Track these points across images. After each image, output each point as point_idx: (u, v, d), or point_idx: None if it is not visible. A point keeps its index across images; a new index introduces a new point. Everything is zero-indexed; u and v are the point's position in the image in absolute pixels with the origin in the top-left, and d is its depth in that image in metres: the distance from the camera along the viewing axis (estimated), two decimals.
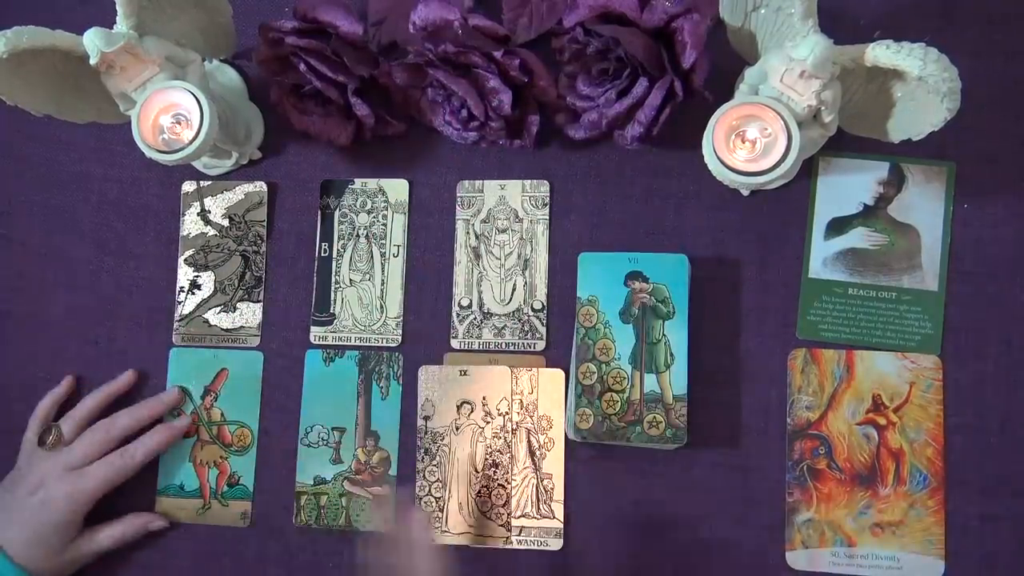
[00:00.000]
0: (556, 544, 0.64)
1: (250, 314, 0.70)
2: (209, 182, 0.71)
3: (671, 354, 0.62)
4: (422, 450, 0.66)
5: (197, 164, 0.70)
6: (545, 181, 0.68)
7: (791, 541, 0.62)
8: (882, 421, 0.62)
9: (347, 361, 0.68)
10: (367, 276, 0.69)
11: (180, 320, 0.70)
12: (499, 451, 0.65)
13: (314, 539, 0.67)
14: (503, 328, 0.67)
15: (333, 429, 0.67)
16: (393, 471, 0.67)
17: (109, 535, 0.66)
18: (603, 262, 0.64)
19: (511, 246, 0.68)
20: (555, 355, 0.66)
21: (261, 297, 0.70)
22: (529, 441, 0.65)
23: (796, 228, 0.65)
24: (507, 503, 0.65)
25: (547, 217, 0.68)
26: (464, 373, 0.67)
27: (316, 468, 0.67)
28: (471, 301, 0.68)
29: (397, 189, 0.69)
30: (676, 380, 0.61)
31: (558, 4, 0.66)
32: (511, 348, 0.67)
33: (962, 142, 0.64)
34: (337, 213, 0.70)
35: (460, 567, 0.65)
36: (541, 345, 0.66)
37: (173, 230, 0.71)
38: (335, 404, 0.68)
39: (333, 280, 0.69)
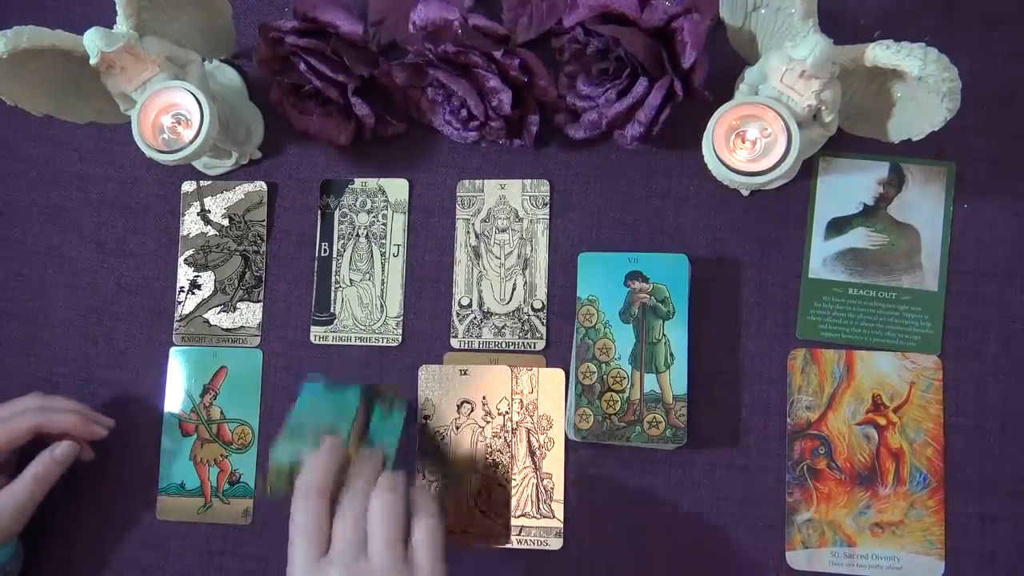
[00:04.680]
0: (556, 544, 0.64)
1: (250, 314, 0.70)
2: (209, 182, 0.71)
3: (671, 354, 0.62)
4: (422, 450, 0.66)
5: (197, 164, 0.70)
6: (545, 181, 0.68)
7: (791, 541, 0.62)
8: (882, 421, 0.63)
9: (349, 393, 0.61)
10: (367, 276, 0.69)
11: (180, 320, 0.70)
12: (499, 451, 0.65)
13: None
14: (503, 328, 0.67)
15: (325, 429, 0.61)
16: (389, 469, 0.62)
17: (19, 491, 0.63)
18: (603, 262, 0.64)
19: (511, 246, 0.68)
20: (555, 355, 0.66)
21: (261, 297, 0.70)
22: (529, 441, 0.65)
23: (796, 228, 0.65)
24: (507, 503, 0.65)
25: (547, 217, 0.68)
26: (464, 373, 0.67)
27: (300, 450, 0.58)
28: (471, 301, 0.68)
29: (397, 189, 0.69)
30: (676, 380, 0.61)
31: (558, 4, 0.66)
32: (511, 348, 0.67)
33: (962, 142, 0.64)
34: (337, 213, 0.70)
35: (460, 567, 0.65)
36: (541, 345, 0.66)
37: (173, 230, 0.71)
38: (340, 420, 0.60)
39: (333, 280, 0.69)
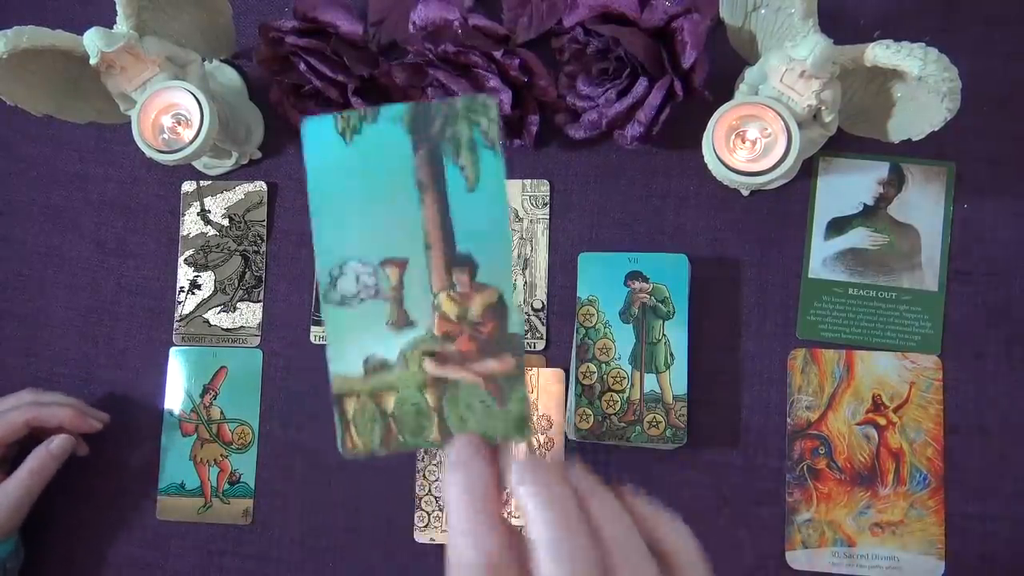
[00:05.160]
0: None
1: (250, 314, 0.70)
2: (209, 182, 0.71)
3: (671, 354, 0.62)
4: (422, 449, 0.66)
5: (197, 164, 0.70)
6: (545, 181, 0.68)
7: (791, 541, 0.62)
8: (882, 421, 0.63)
9: (386, 127, 0.35)
10: None
11: (180, 320, 0.70)
12: None
13: (317, 535, 0.67)
14: None
15: (384, 265, 0.36)
16: (515, 326, 0.36)
17: (15, 485, 0.63)
18: (603, 262, 0.64)
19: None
20: (555, 355, 0.66)
21: (261, 297, 0.70)
22: (529, 441, 0.65)
23: (796, 228, 0.65)
24: (507, 503, 0.65)
25: (547, 217, 0.68)
26: None
27: (365, 342, 0.36)
28: None
29: None
30: (676, 380, 0.61)
31: (558, 4, 0.66)
32: None
33: (962, 142, 0.64)
34: None
35: None
36: (541, 345, 0.66)
37: (173, 230, 0.71)
38: (379, 216, 0.36)
39: None
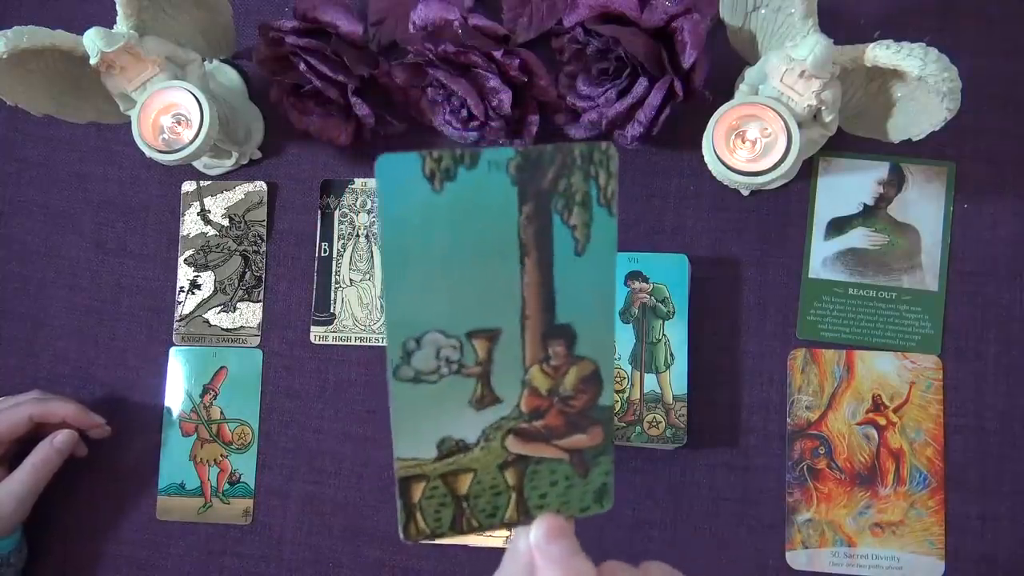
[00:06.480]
0: None
1: (250, 314, 0.70)
2: (209, 182, 0.71)
3: (671, 354, 0.62)
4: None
5: (197, 164, 0.70)
6: None
7: (791, 541, 0.62)
8: (882, 421, 0.63)
9: (488, 174, 0.31)
10: (367, 276, 0.69)
11: (180, 320, 0.70)
12: None
13: (317, 535, 0.67)
14: None
15: (471, 337, 0.33)
16: (607, 398, 0.35)
17: (20, 480, 0.63)
18: None
19: None
20: None
21: (261, 297, 0.70)
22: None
23: (796, 228, 0.65)
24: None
25: None
26: None
27: (441, 422, 0.34)
28: None
29: None
30: (676, 380, 0.61)
31: (558, 4, 0.66)
32: None
33: (962, 142, 0.64)
34: (337, 213, 0.70)
35: (461, 567, 0.65)
36: None
37: (173, 230, 0.71)
38: (469, 279, 0.32)
39: (333, 280, 0.69)
